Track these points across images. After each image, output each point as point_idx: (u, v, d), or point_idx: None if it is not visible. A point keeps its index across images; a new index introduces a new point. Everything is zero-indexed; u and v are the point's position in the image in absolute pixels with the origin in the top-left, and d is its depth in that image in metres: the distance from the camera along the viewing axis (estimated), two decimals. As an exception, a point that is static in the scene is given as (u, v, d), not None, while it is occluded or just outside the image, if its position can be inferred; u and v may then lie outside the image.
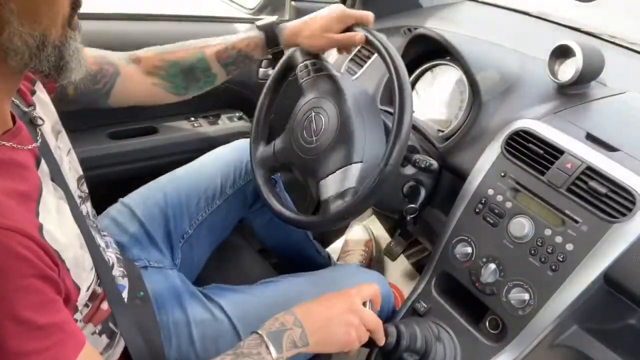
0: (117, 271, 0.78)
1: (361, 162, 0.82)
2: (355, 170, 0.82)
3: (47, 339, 0.50)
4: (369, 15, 0.86)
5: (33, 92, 0.68)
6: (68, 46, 0.54)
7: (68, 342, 0.53)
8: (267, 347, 0.66)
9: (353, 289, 0.76)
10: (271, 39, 0.88)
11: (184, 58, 0.88)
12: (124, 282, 0.79)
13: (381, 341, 0.77)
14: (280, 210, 0.91)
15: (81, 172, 0.75)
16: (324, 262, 1.30)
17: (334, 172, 0.83)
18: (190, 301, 0.87)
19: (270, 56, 0.92)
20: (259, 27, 0.89)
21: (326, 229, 1.58)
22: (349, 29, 0.86)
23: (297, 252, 1.25)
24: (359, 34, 0.84)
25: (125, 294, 0.78)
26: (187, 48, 0.89)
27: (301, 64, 0.91)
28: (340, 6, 0.86)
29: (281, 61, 0.96)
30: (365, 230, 1.60)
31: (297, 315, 0.71)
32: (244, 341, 0.68)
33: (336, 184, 0.82)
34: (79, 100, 0.81)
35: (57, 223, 0.59)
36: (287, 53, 0.95)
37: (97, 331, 0.70)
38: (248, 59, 0.91)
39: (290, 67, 0.95)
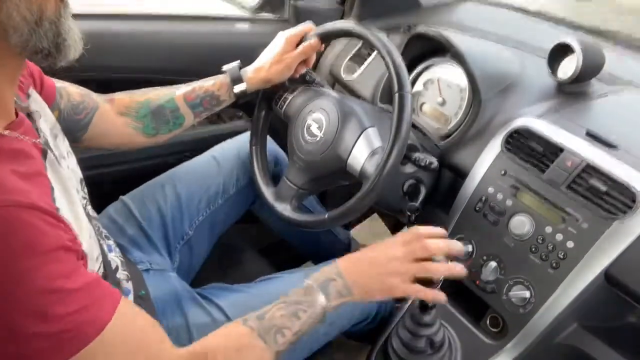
0: (121, 274, 0.78)
1: (373, 126, 0.87)
2: (372, 132, 0.87)
3: (85, 299, 0.52)
4: (308, 25, 0.96)
5: (28, 96, 0.69)
6: (63, 22, 0.56)
7: (106, 297, 0.55)
8: (319, 295, 0.70)
9: (404, 240, 0.75)
10: (236, 79, 0.94)
11: (154, 99, 0.93)
12: (129, 285, 0.79)
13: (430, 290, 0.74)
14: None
15: (81, 175, 0.75)
16: (343, 247, 1.30)
17: (355, 143, 0.86)
18: (190, 305, 0.87)
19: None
20: (225, 70, 0.95)
21: (327, 227, 1.58)
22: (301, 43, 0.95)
23: (315, 240, 1.24)
24: (312, 40, 0.94)
25: (130, 298, 0.78)
26: (157, 91, 0.94)
27: (275, 99, 1.00)
28: (285, 31, 0.95)
29: (257, 107, 1.03)
30: None
31: (339, 267, 0.73)
32: (293, 291, 0.71)
33: (364, 149, 0.85)
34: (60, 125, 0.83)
35: (70, 210, 0.60)
36: (258, 100, 1.03)
37: None
38: (215, 100, 0.95)
39: (266, 107, 1.03)
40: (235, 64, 0.95)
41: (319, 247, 1.24)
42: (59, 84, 0.82)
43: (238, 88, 0.94)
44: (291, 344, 0.67)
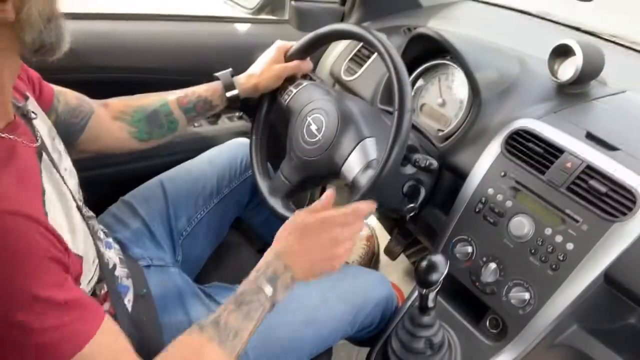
0: (120, 272, 0.78)
1: (373, 136, 0.87)
2: (370, 143, 0.86)
3: (68, 315, 0.52)
4: (291, 43, 1.00)
5: (26, 98, 0.69)
6: (62, 20, 0.57)
7: (88, 316, 0.55)
8: (268, 292, 0.69)
9: (330, 215, 0.75)
10: (228, 85, 0.97)
11: (148, 104, 0.94)
12: (128, 282, 0.79)
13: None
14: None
15: (77, 178, 0.76)
16: None
17: (351, 153, 0.86)
18: (192, 301, 0.87)
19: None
20: (217, 76, 0.98)
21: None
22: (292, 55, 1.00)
23: None
24: (305, 63, 1.00)
25: (130, 295, 0.78)
26: (151, 96, 0.95)
27: (279, 90, 1.01)
28: (277, 42, 1.00)
29: (260, 96, 1.03)
30: (367, 226, 1.60)
31: (285, 261, 0.72)
32: (242, 290, 0.70)
33: (358, 160, 0.85)
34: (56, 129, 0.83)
35: (63, 214, 0.60)
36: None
37: None
38: (208, 104, 0.97)
39: (270, 97, 1.03)
40: (227, 71, 0.98)
41: None
42: (56, 88, 0.83)
43: (230, 93, 0.96)
44: (246, 343, 0.68)
